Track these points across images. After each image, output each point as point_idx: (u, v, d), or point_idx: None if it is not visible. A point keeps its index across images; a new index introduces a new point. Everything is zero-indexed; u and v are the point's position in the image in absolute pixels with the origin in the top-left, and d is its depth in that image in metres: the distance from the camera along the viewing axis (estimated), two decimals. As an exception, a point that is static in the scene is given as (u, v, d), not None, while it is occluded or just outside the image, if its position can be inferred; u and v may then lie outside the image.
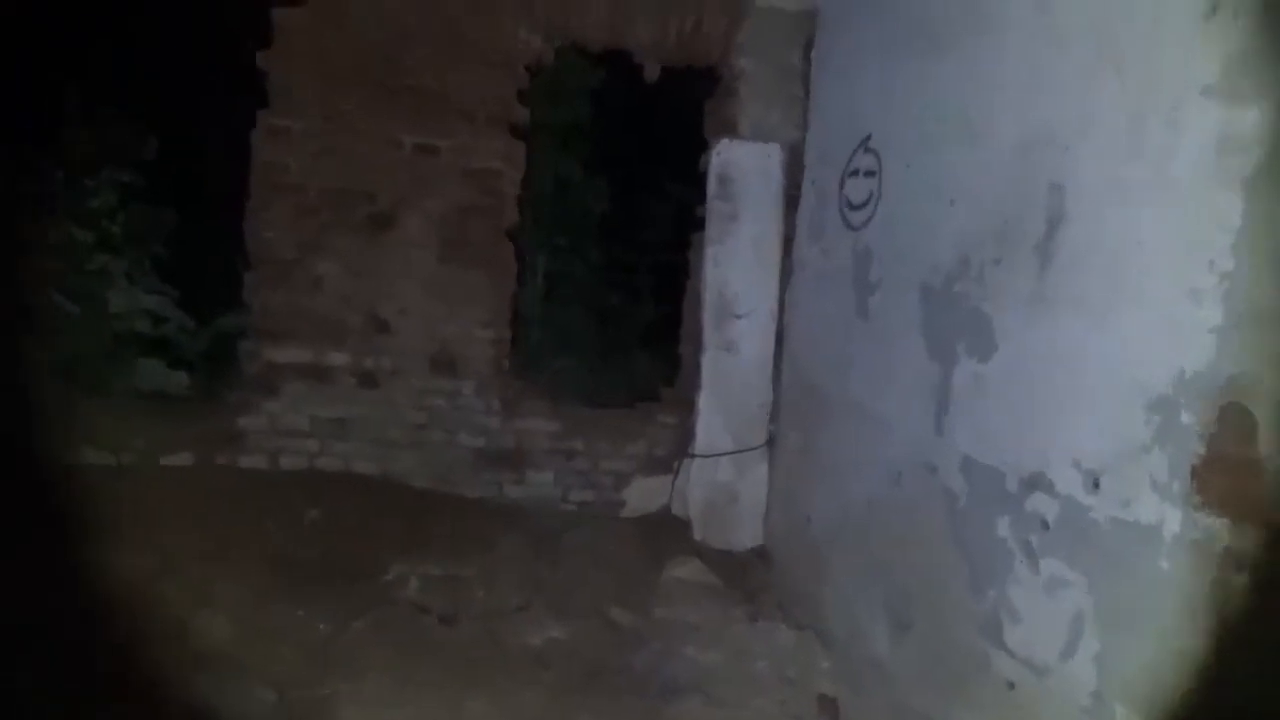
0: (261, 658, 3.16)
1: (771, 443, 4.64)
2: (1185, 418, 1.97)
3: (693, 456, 4.70)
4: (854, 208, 3.86)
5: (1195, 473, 1.94)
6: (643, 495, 4.78)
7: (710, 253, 4.69)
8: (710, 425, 4.67)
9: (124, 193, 4.94)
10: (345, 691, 3.09)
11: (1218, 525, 1.88)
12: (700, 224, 4.81)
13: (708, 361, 4.67)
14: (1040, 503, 2.42)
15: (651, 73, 4.91)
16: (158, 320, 5.07)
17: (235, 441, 4.43)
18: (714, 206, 4.71)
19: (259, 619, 3.39)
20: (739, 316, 4.66)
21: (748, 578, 4.33)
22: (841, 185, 4.00)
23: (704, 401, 4.67)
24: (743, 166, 4.69)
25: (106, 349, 4.76)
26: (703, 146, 4.87)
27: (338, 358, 4.44)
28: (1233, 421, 1.87)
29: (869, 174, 3.73)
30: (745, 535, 4.65)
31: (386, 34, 4.45)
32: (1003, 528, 2.57)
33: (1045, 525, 2.40)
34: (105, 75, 5.01)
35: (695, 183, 4.89)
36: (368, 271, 4.45)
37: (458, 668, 3.29)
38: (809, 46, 4.62)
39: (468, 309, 4.57)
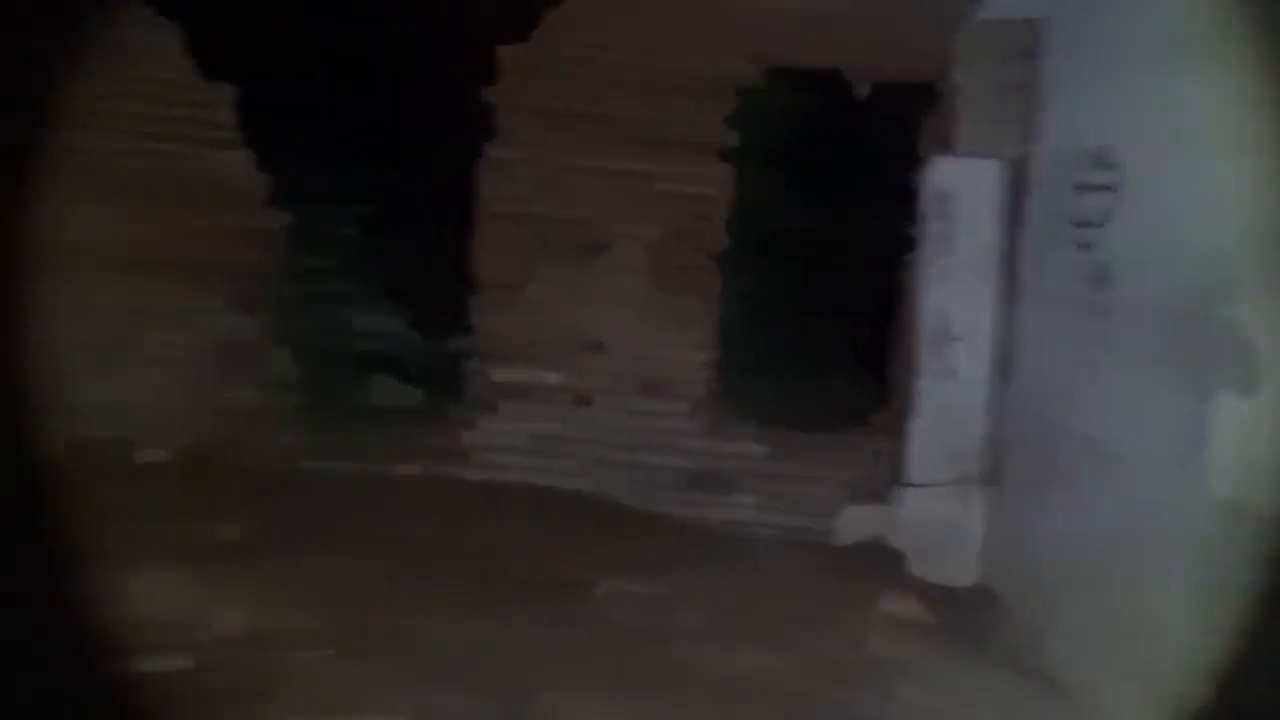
0: (476, 666, 3.29)
1: (993, 474, 4.40)
2: None
3: (907, 485, 4.53)
4: (1087, 225, 3.61)
5: None
6: (852, 523, 4.66)
7: (925, 274, 4.52)
8: (924, 453, 4.49)
9: (364, 223, 5.38)
10: (559, 705, 3.17)
11: None
12: (913, 244, 4.66)
13: (922, 387, 4.50)
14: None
15: (862, 90, 4.81)
16: (392, 340, 5.47)
17: (459, 455, 4.71)
18: (929, 226, 4.54)
19: (473, 627, 3.53)
20: (956, 341, 4.46)
21: (967, 617, 4.11)
22: (1073, 202, 3.74)
23: (918, 428, 4.50)
24: (960, 184, 4.50)
25: (347, 366, 5.18)
26: (915, 165, 4.72)
27: (553, 378, 4.63)
28: None
29: (1105, 189, 3.47)
30: (963, 571, 4.42)
31: (601, 67, 4.62)
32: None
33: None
34: (345, 113, 5.46)
35: (906, 202, 4.74)
36: (583, 295, 4.62)
37: (667, 689, 3.31)
38: (1032, 57, 4.38)
39: (677, 331, 4.65)
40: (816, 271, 7.26)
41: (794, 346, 7.08)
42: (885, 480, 4.63)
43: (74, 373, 4.40)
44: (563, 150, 4.62)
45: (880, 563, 4.47)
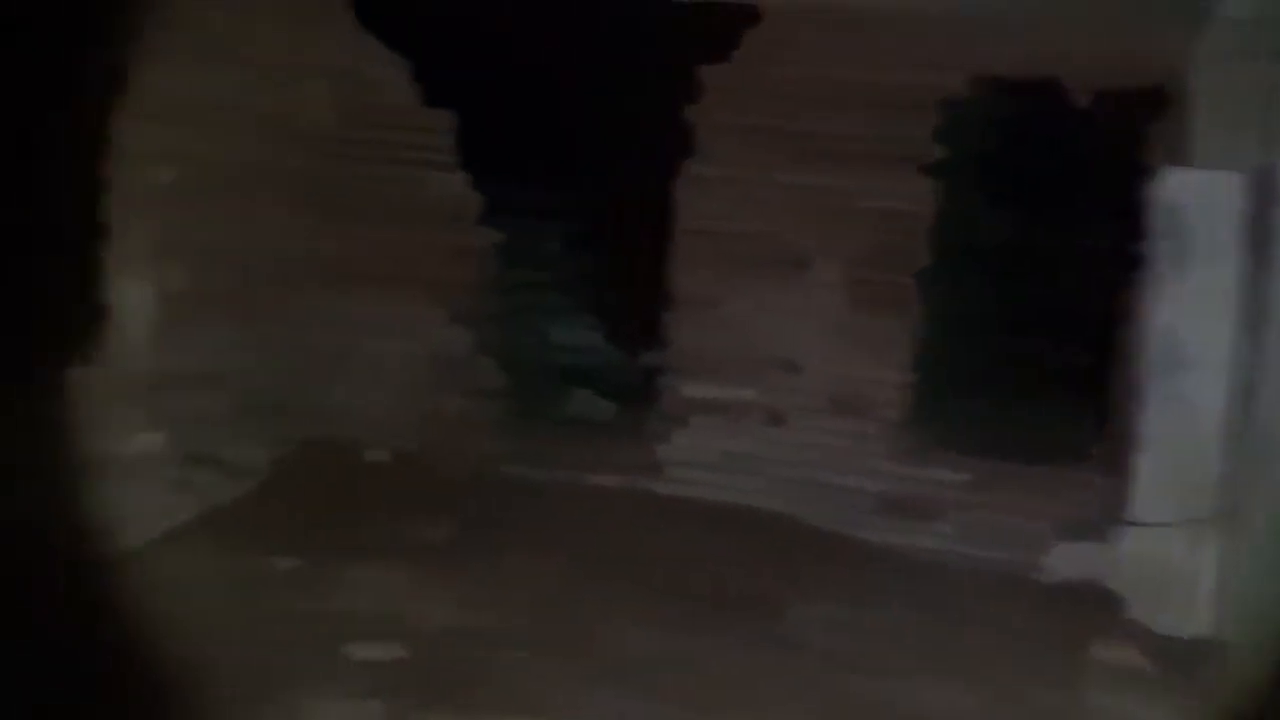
0: (662, 678, 3.31)
1: (1229, 514, 3.98)
2: None
3: (1129, 523, 4.17)
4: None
5: None
6: (1064, 561, 4.35)
7: (1153, 294, 4.17)
8: (1151, 489, 4.13)
9: (568, 239, 5.59)
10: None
11: None
12: (1138, 262, 4.31)
13: (1148, 417, 4.14)
14: None
15: (1081, 98, 4.51)
16: (591, 354, 5.64)
17: (652, 469, 4.79)
18: (1157, 243, 4.19)
19: (661, 639, 3.54)
20: (1189, 367, 4.08)
21: (1194, 671, 3.74)
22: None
23: (1144, 462, 4.14)
24: (1194, 198, 4.12)
25: (549, 378, 5.39)
26: (1139, 176, 4.36)
27: (746, 395, 4.62)
28: None
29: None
30: (1191, 620, 4.02)
31: (800, 83, 4.58)
32: None
33: None
34: (552, 134, 5.69)
35: (1128, 216, 4.39)
36: (779, 313, 4.58)
37: (859, 721, 3.22)
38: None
39: (873, 350, 4.53)
40: (1024, 290, 6.85)
41: (1000, 369, 6.70)
42: (1103, 517, 4.29)
43: (311, 376, 4.87)
44: (761, 167, 4.62)
45: (1094, 605, 4.15)
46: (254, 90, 4.30)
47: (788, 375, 4.60)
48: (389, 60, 4.98)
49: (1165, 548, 4.08)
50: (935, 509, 4.49)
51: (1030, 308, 6.90)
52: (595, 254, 5.70)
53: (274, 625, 3.16)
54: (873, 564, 4.30)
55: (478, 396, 5.06)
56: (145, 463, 3.66)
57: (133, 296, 3.75)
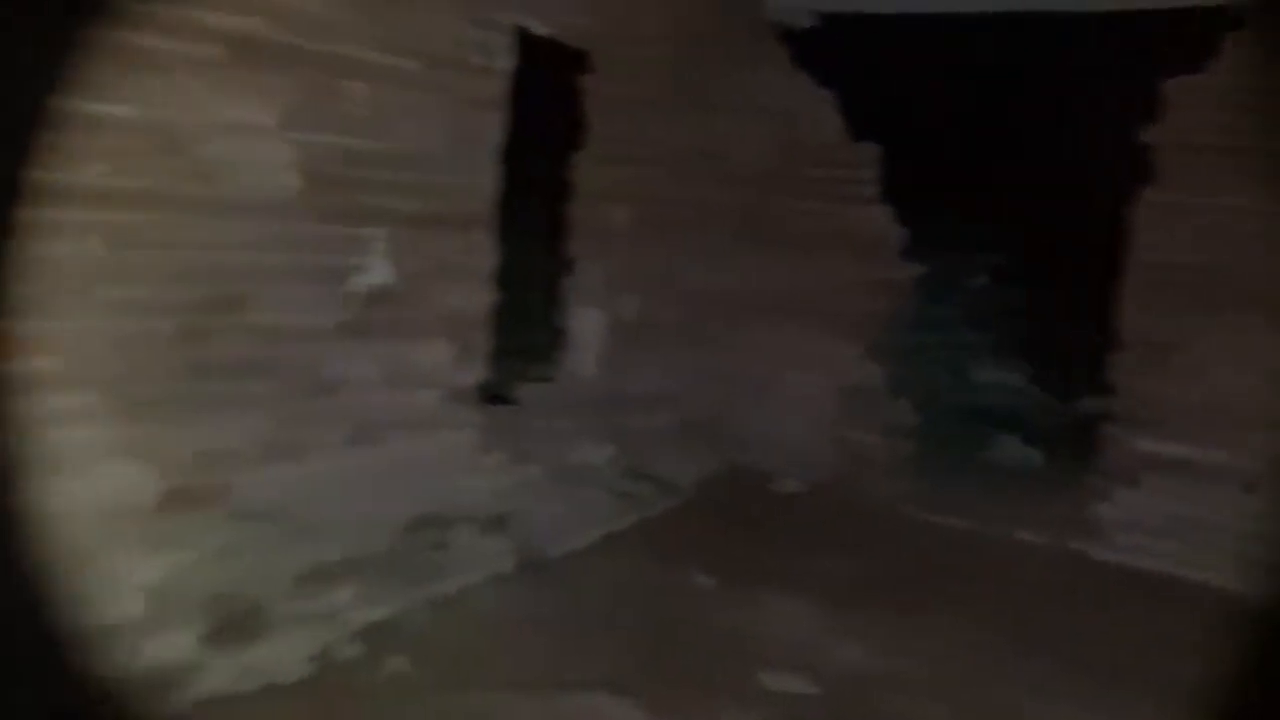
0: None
1: None
2: None
3: None
4: None
5: None
6: None
7: None
8: None
9: (993, 273, 5.27)
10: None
11: None
12: None
13: None
14: None
15: None
16: (1015, 395, 5.25)
17: (1085, 529, 4.30)
18: None
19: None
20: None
21: None
22: None
23: None
24: None
25: (967, 419, 5.10)
26: None
27: (1216, 455, 3.96)
28: None
29: None
30: None
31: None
32: None
33: None
34: (981, 161, 5.41)
35: None
36: (1258, 360, 3.88)
37: None
38: None
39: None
40: None
41: None
42: None
43: (737, 403, 5.09)
44: (1234, 193, 3.96)
45: None
46: (699, 131, 4.61)
47: (1269, 435, 3.86)
48: (820, 98, 5.07)
49: None
50: None
51: None
52: (1025, 288, 5.30)
53: (692, 639, 3.31)
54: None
55: (895, 434, 4.93)
56: (595, 471, 4.06)
57: (590, 323, 4.20)
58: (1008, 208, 5.78)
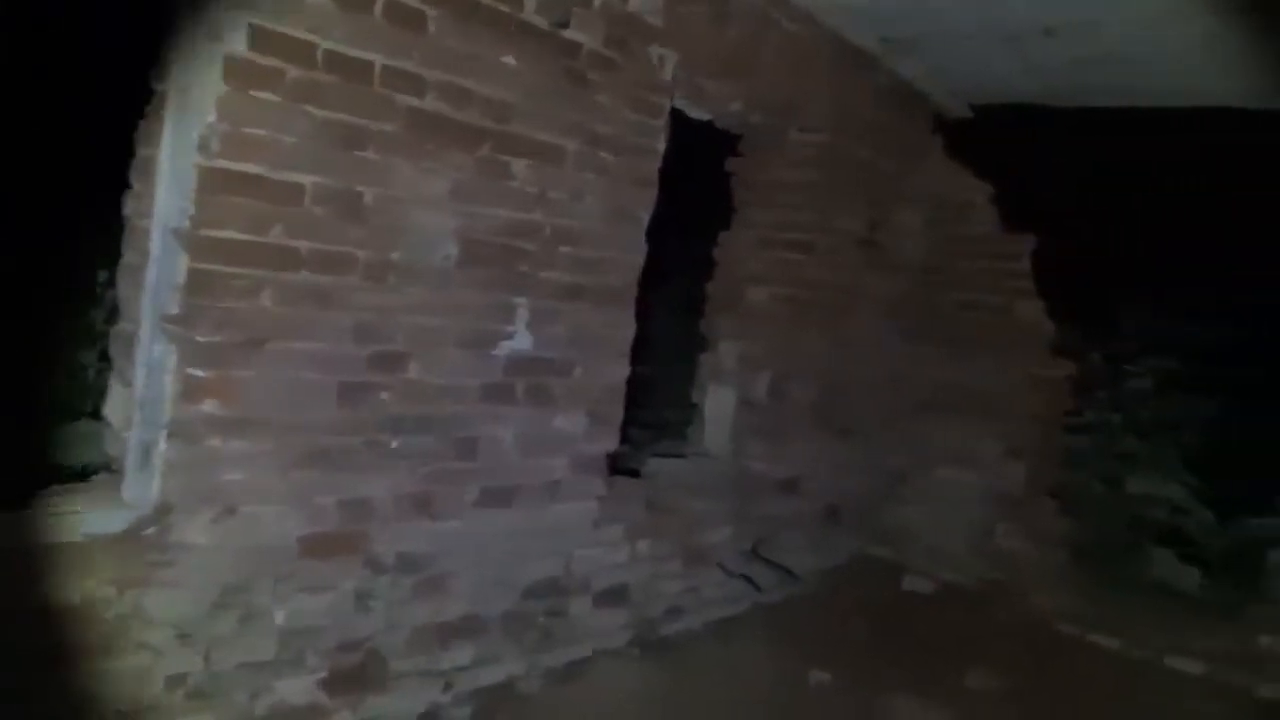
0: None
1: None
2: None
3: None
4: None
5: None
6: None
7: None
8: None
9: (1163, 378, 4.96)
10: None
11: None
12: None
13: None
14: None
15: None
16: (1175, 510, 4.88)
17: (1250, 660, 3.91)
18: None
19: None
20: None
21: None
22: None
23: None
24: None
25: (1122, 532, 4.77)
26: None
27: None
28: None
29: None
30: None
31: None
32: None
33: None
34: (1163, 267, 5.15)
35: None
36: None
37: None
38: None
39: None
40: None
41: None
42: None
43: (877, 495, 4.93)
44: None
45: None
46: (857, 218, 4.58)
47: None
48: (976, 188, 4.98)
49: None
50: None
51: None
52: (1197, 398, 4.95)
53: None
54: None
55: (1038, 540, 4.64)
56: (718, 552, 3.99)
57: (724, 402, 4.18)
58: (1170, 308, 5.48)
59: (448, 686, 2.91)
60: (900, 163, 4.87)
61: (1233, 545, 4.79)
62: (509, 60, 2.81)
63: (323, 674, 2.60)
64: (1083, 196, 5.62)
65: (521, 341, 3.02)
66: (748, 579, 4.05)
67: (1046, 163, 5.30)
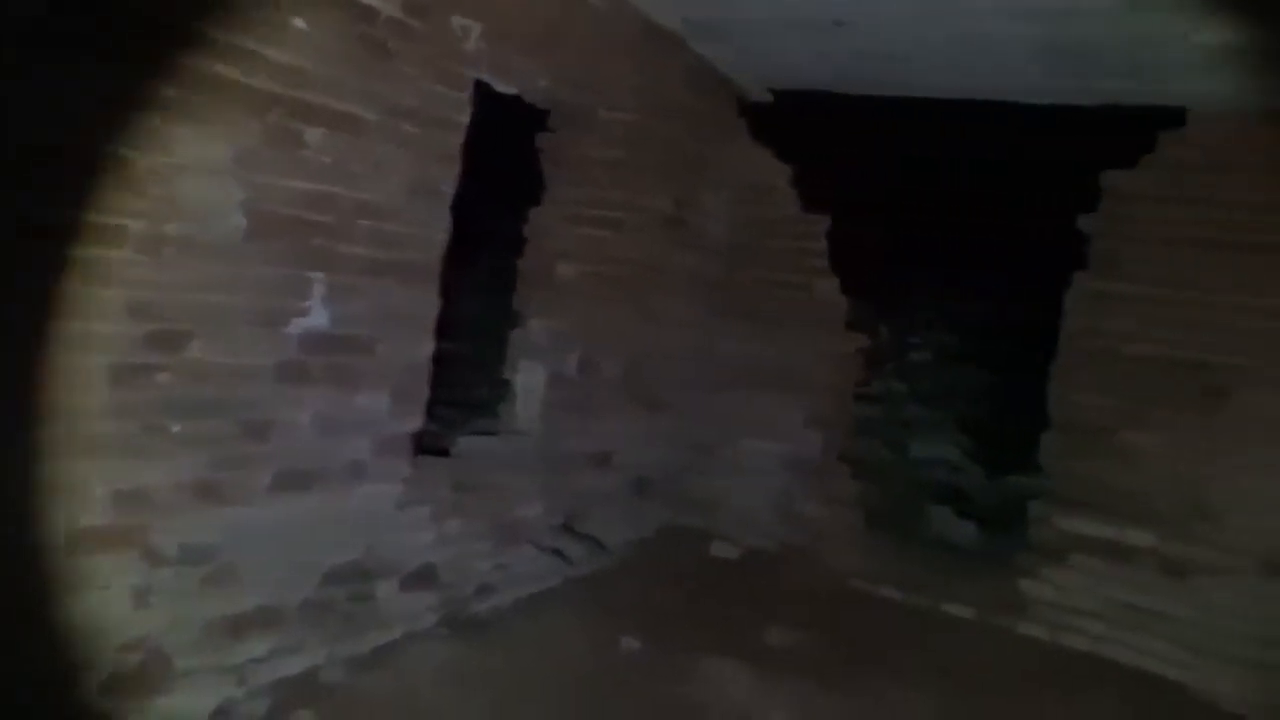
0: None
1: None
2: None
3: None
4: None
5: None
6: None
7: None
8: None
9: (942, 351, 5.37)
10: None
11: None
12: None
13: None
14: None
15: None
16: (953, 470, 5.32)
17: (1015, 606, 4.34)
18: None
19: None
20: None
21: None
22: None
23: None
24: None
25: (907, 493, 5.15)
26: None
27: (1142, 539, 4.05)
28: None
29: None
30: None
31: (1231, 192, 4.05)
32: None
33: None
34: (945, 249, 5.56)
35: None
36: (1192, 450, 3.99)
37: None
38: None
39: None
40: None
41: None
42: None
43: (682, 467, 5.08)
44: (1180, 283, 4.10)
45: None
46: (663, 196, 4.67)
47: (1199, 523, 3.96)
48: (778, 170, 5.18)
49: None
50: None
51: None
52: (969, 367, 5.43)
53: (620, 703, 3.25)
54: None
55: (833, 504, 4.95)
56: (529, 526, 4.01)
57: (534, 378, 4.18)
58: (950, 287, 5.93)
59: (242, 681, 2.78)
60: (708, 144, 5.00)
61: (1000, 500, 5.28)
62: (299, 23, 2.68)
63: (101, 677, 2.42)
64: (876, 180, 5.94)
65: (318, 318, 2.90)
66: (558, 553, 4.10)
67: (843, 147, 5.57)
